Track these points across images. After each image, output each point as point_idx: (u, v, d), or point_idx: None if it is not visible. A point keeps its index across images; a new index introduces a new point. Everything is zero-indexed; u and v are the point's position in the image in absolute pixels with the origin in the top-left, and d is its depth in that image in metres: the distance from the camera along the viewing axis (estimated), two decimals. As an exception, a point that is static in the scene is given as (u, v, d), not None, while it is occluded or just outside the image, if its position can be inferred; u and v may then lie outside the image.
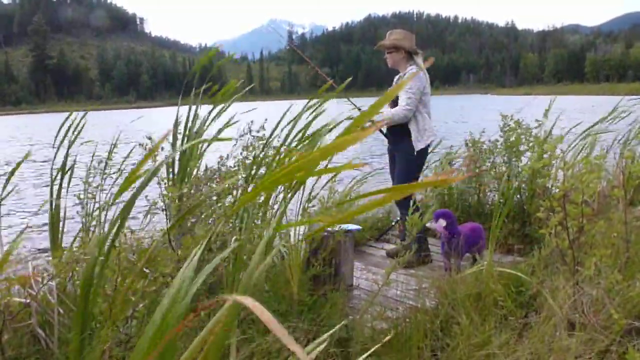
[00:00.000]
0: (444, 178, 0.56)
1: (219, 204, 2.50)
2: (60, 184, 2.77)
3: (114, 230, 1.06)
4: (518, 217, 3.86)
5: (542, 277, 2.33)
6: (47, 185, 2.78)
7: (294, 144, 2.86)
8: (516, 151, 4.04)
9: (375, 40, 3.87)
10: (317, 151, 0.59)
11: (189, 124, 2.79)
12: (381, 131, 3.76)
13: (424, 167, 3.72)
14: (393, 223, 4.29)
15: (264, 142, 2.96)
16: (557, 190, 1.99)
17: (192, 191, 2.39)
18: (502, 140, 4.16)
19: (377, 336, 2.15)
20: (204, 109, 2.85)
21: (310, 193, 3.19)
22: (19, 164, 2.56)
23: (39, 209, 3.32)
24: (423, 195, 4.28)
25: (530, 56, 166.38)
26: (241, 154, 2.92)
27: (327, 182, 3.53)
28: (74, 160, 2.88)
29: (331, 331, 1.19)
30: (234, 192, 2.69)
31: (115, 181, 3.04)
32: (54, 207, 2.73)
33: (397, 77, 3.69)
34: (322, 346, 0.97)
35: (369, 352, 1.32)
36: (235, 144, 2.92)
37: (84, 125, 2.94)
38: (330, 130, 2.63)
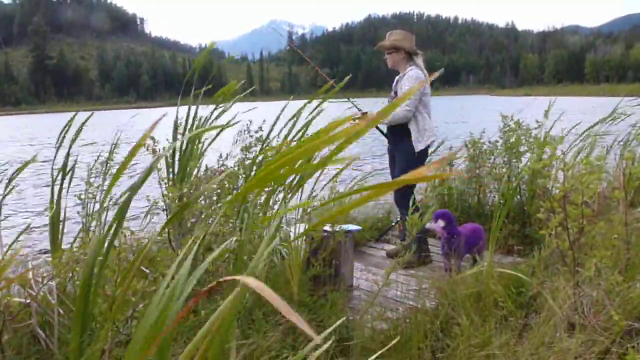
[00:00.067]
0: (436, 170, 0.54)
1: (219, 204, 2.50)
2: (61, 185, 2.76)
3: (112, 230, 1.05)
4: (518, 218, 3.86)
5: (542, 278, 2.34)
6: (48, 186, 2.78)
7: (293, 144, 2.86)
8: (516, 152, 4.04)
9: (376, 41, 3.87)
10: (299, 147, 0.57)
11: (189, 125, 2.79)
12: (381, 131, 3.76)
13: (424, 167, 3.70)
14: (393, 223, 4.29)
15: (262, 142, 2.96)
16: (558, 191, 1.99)
17: (192, 191, 2.39)
18: (502, 141, 4.16)
19: (377, 336, 2.15)
20: (204, 110, 2.85)
21: (310, 194, 3.19)
22: (25, 165, 2.56)
23: (45, 210, 3.31)
24: (423, 195, 4.28)
25: (530, 57, 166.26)
26: (241, 152, 2.92)
27: (327, 183, 3.53)
28: (75, 161, 2.87)
29: (334, 325, 1.19)
30: (234, 193, 2.69)
31: (115, 181, 3.03)
32: (54, 207, 2.73)
33: (397, 77, 3.69)
34: (328, 344, 0.97)
35: (375, 356, 1.31)
36: (235, 143, 2.92)
37: (83, 124, 2.94)
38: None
